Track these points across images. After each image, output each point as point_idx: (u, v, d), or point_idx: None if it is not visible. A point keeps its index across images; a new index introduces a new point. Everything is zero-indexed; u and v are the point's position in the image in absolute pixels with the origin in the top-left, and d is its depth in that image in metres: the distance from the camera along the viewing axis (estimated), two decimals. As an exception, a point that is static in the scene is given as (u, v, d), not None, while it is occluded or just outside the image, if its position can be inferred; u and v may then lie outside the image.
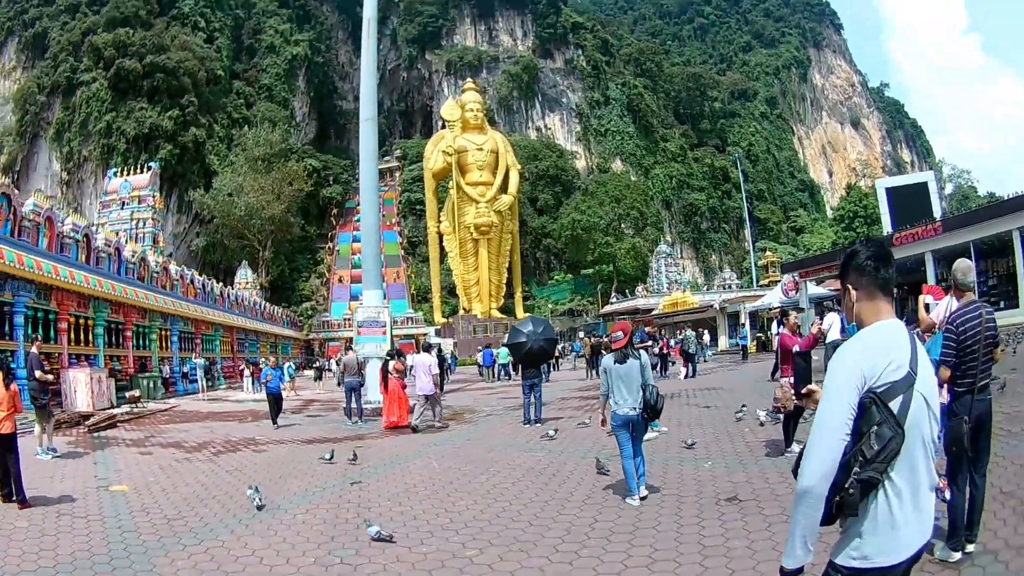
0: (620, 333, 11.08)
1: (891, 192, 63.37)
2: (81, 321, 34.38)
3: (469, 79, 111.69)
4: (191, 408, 33.05)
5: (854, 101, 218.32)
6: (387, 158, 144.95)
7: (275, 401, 24.28)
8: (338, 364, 31.12)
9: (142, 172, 68.00)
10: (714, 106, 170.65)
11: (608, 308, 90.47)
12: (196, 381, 44.71)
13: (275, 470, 14.93)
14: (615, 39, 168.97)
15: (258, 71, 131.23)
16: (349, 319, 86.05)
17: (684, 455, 13.33)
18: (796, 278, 59.43)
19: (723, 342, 67.89)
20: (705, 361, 49.66)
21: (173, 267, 51.56)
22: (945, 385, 6.92)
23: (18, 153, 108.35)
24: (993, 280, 42.87)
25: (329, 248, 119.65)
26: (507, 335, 26.81)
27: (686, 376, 34.47)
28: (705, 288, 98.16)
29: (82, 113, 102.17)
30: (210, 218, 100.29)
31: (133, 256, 43.21)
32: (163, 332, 45.67)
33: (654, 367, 31.39)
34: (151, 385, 37.84)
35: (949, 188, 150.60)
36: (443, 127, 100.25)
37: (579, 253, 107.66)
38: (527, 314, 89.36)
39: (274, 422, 23.85)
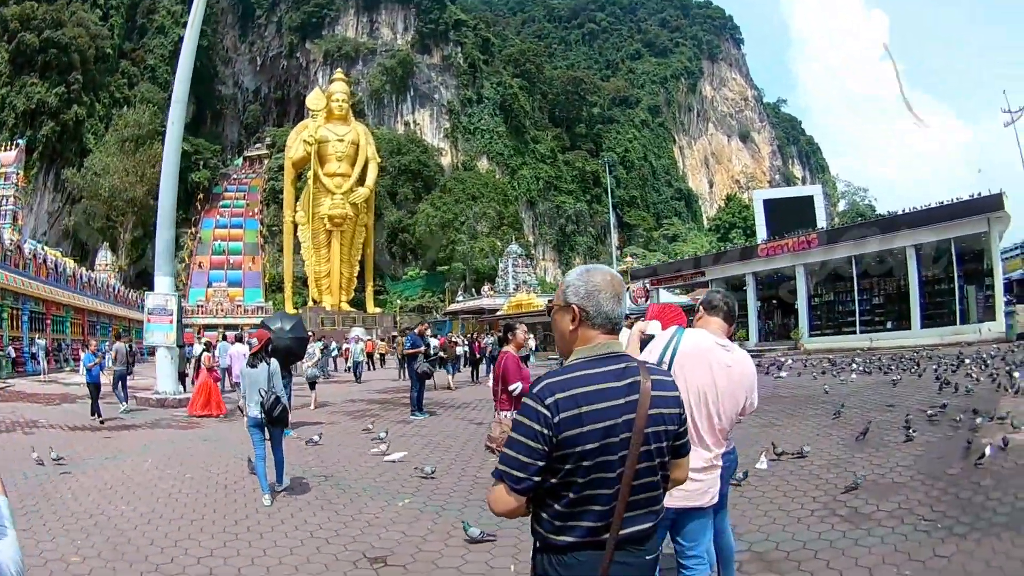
0: (255, 340, 11.94)
1: (769, 204, 64.06)
2: None
3: (339, 70, 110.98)
4: (20, 389, 32.70)
5: (745, 115, 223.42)
6: (257, 145, 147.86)
7: (96, 391, 21.86)
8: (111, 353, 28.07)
9: (10, 149, 64.04)
10: (592, 111, 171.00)
11: (454, 307, 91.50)
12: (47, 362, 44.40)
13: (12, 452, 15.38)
14: (497, 39, 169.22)
15: (145, 51, 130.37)
16: (202, 306, 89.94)
17: (393, 486, 11.63)
18: (647, 286, 60.56)
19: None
20: (527, 367, 51.79)
21: (27, 245, 51.60)
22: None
23: None
24: (879, 299, 44.20)
25: (192, 233, 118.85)
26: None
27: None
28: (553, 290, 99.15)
29: None
30: (79, 197, 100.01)
31: None
32: (14, 311, 45.83)
33: (457, 368, 35.49)
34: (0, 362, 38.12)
35: (842, 205, 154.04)
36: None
37: (433, 250, 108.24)
38: (377, 309, 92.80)
39: (94, 413, 21.37)
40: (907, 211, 41.48)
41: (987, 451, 9.99)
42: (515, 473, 3.05)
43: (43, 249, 56.79)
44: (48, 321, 51.68)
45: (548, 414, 3.01)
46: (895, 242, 40.02)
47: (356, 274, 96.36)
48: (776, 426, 15.17)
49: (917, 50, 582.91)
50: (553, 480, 3.07)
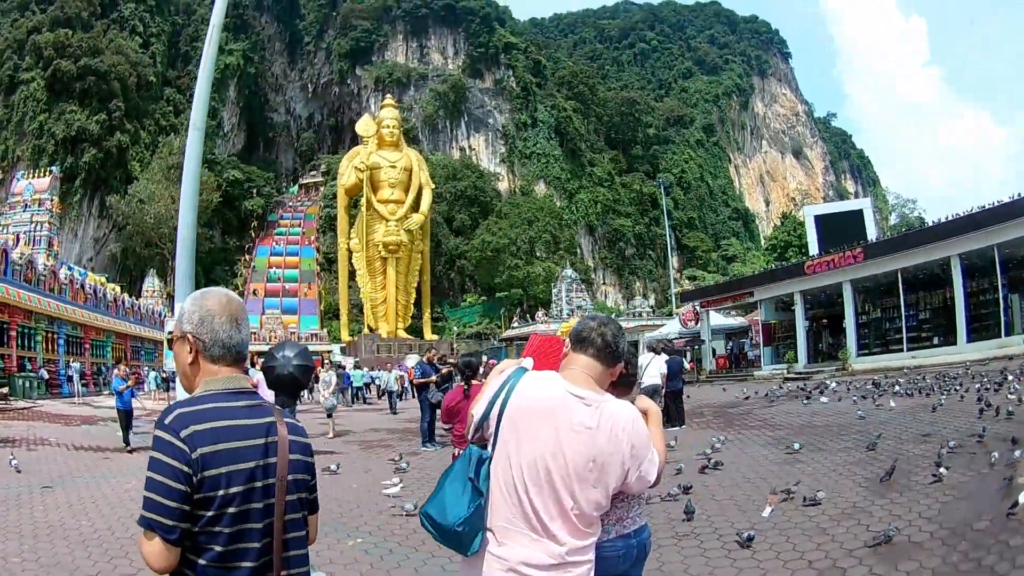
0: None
1: (820, 220, 60.83)
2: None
3: (388, 96, 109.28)
4: (48, 409, 32.75)
5: (797, 130, 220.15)
6: (312, 172, 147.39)
7: (125, 417, 21.86)
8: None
9: (44, 176, 67.13)
10: (647, 132, 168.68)
11: (509, 333, 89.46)
12: (85, 385, 45.34)
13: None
14: (549, 61, 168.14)
15: (191, 79, 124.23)
16: (255, 333, 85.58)
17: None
18: (696, 307, 57.98)
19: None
20: None
21: (63, 271, 51.60)
22: None
23: None
24: (925, 314, 40.78)
25: (246, 260, 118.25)
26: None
27: None
28: (626, 315, 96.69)
29: (19, 112, 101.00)
30: (125, 224, 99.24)
31: (21, 258, 43.25)
32: (49, 334, 46.39)
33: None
34: (26, 384, 38.35)
35: (894, 218, 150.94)
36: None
37: (489, 275, 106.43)
38: (435, 336, 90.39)
39: (125, 441, 21.52)
40: (950, 218, 38.49)
41: (1021, 499, 8.22)
42: (164, 521, 2.70)
43: (80, 274, 57.28)
44: (87, 345, 52.72)
45: (185, 448, 2.74)
46: (938, 252, 36.99)
47: (413, 301, 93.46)
48: (800, 463, 14.08)
49: (954, 53, 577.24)
50: (195, 529, 2.76)
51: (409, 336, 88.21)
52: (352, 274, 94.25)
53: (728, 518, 10.32)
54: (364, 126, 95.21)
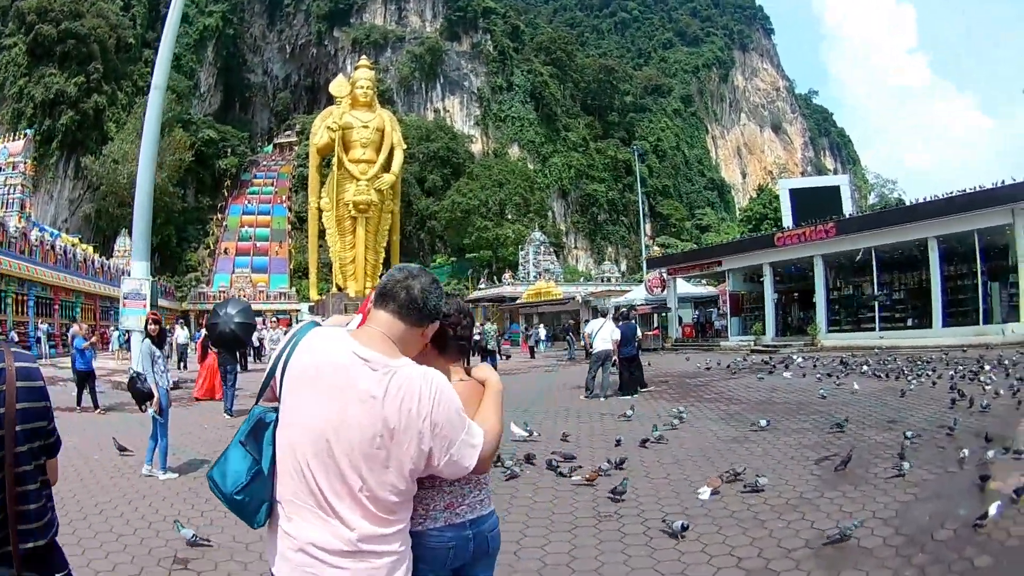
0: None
1: (795, 193, 60.91)
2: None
3: (364, 57, 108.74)
4: None
5: (777, 105, 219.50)
6: (287, 132, 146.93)
7: (85, 378, 20.77)
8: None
9: (18, 139, 65.61)
10: (624, 100, 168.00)
11: (475, 294, 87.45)
12: (55, 346, 45.77)
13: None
14: (528, 27, 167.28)
15: None
16: (224, 291, 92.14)
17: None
18: (663, 275, 57.74)
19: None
20: (533, 357, 49.65)
21: (35, 233, 52.53)
22: None
23: None
24: (899, 294, 41.04)
25: (218, 219, 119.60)
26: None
27: None
28: (595, 280, 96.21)
29: (1, 77, 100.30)
30: (99, 185, 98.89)
31: None
32: (19, 296, 46.78)
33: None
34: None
35: (873, 198, 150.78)
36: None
37: (459, 236, 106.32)
38: None
39: (78, 401, 20.68)
40: (928, 199, 38.30)
41: (992, 509, 7.42)
42: None
43: (52, 235, 58.58)
44: (56, 307, 52.85)
45: None
46: (915, 233, 36.85)
47: (382, 260, 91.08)
48: (750, 441, 13.30)
49: (943, 42, 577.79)
50: None
51: None
52: (322, 233, 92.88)
53: (660, 500, 9.55)
54: (338, 86, 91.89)
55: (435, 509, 3.36)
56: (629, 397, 21.14)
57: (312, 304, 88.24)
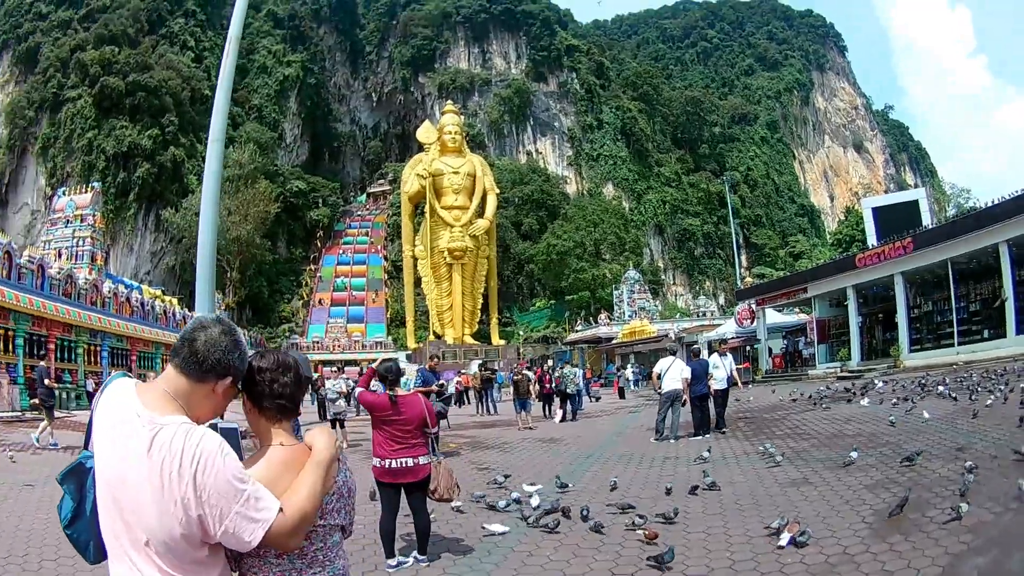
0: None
1: (877, 211, 57.01)
2: (1, 332, 36.31)
3: (449, 102, 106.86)
4: (79, 419, 30.97)
5: (857, 124, 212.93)
6: (380, 181, 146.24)
7: None
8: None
9: (87, 192, 66.14)
10: (713, 131, 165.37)
11: (572, 336, 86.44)
12: None
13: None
14: (613, 63, 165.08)
15: (249, 91, 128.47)
16: (319, 342, 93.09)
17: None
18: (752, 305, 55.62)
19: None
20: (623, 397, 46.29)
21: (108, 285, 51.62)
22: None
23: (6, 167, 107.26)
24: (975, 305, 37.02)
25: (311, 271, 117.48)
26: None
27: (562, 419, 30.34)
28: (691, 315, 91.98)
29: (66, 129, 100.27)
30: (180, 237, 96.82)
31: (59, 273, 43.78)
32: (92, 347, 46.06)
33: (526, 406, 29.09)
34: (63, 395, 37.45)
35: (952, 210, 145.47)
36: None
37: (556, 279, 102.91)
38: (502, 341, 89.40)
39: None
40: (997, 201, 34.11)
41: None
42: None
43: (126, 287, 58.42)
44: (133, 357, 52.20)
45: None
46: (986, 239, 33.38)
47: (480, 306, 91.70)
48: (808, 484, 12.06)
49: (999, 42, 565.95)
50: None
51: (475, 342, 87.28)
52: (418, 281, 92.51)
53: (689, 558, 8.55)
54: (425, 133, 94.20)
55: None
56: (701, 438, 19.85)
57: (410, 352, 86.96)
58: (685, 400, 20.82)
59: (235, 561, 2.95)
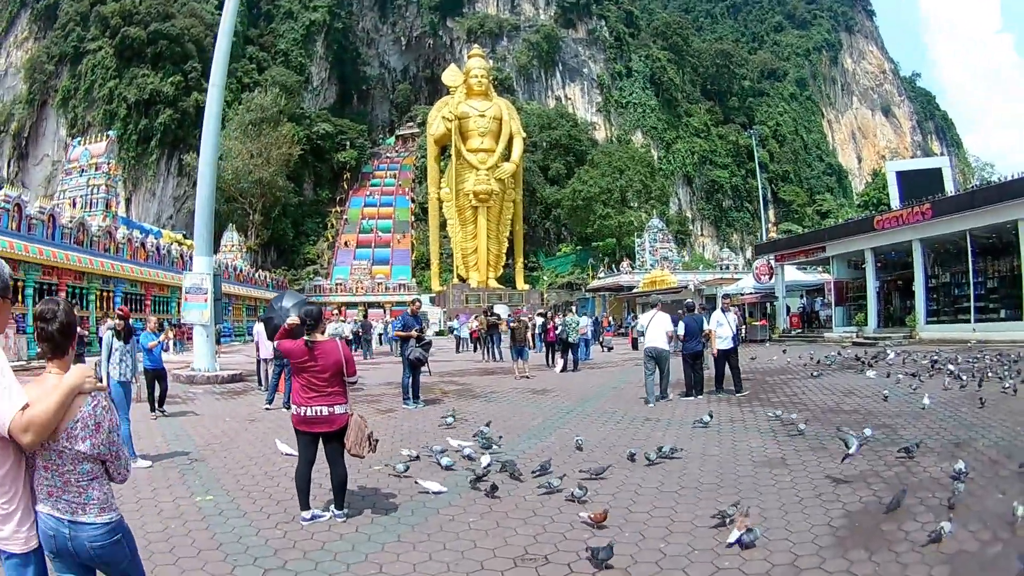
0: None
1: (901, 175, 54.72)
2: (11, 283, 32.52)
3: (475, 46, 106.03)
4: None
5: (885, 88, 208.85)
6: (409, 124, 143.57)
7: (154, 379, 17.02)
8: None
9: (100, 140, 65.45)
10: (743, 84, 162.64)
11: (595, 283, 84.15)
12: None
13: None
14: (642, 12, 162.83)
15: (275, 36, 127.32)
16: (342, 283, 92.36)
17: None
18: (771, 262, 52.84)
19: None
20: (635, 348, 40.71)
21: (121, 231, 52.22)
22: None
23: (27, 120, 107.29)
24: (993, 282, 35.28)
25: (338, 212, 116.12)
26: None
27: (563, 369, 28.08)
28: (714, 268, 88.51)
29: (87, 80, 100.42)
30: None
31: (71, 222, 44.28)
32: (104, 293, 46.30)
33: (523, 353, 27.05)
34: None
35: (976, 182, 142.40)
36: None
37: (582, 225, 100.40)
38: (526, 286, 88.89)
39: (152, 407, 16.98)
40: (1019, 175, 31.78)
41: None
42: None
43: (141, 232, 59.56)
44: (148, 301, 52.55)
45: None
46: (1007, 213, 31.39)
47: (505, 250, 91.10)
48: (784, 465, 10.33)
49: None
50: None
51: (500, 285, 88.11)
52: (444, 224, 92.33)
53: (633, 551, 7.08)
54: (450, 76, 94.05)
55: (41, 493, 3.76)
56: (694, 399, 18.05)
57: (433, 295, 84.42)
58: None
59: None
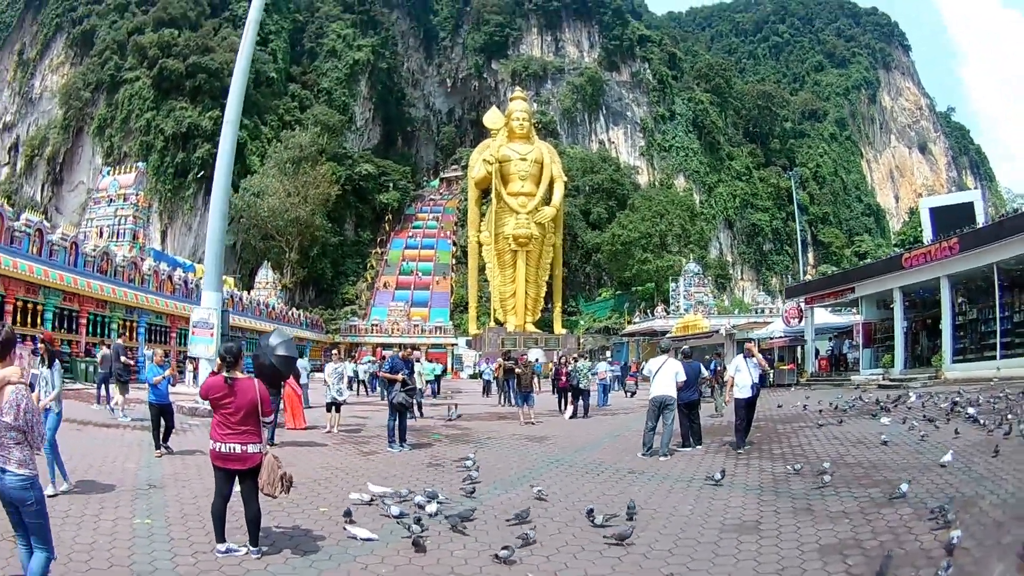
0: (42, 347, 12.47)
1: (934, 212, 51.37)
2: (30, 306, 36.83)
3: (518, 88, 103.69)
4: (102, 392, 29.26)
5: (922, 125, 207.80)
6: (454, 167, 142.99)
7: (159, 414, 15.85)
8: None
9: (130, 172, 67.77)
10: (784, 126, 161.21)
11: (631, 328, 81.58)
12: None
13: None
14: (687, 55, 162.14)
15: (318, 75, 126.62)
16: (378, 325, 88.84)
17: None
18: (801, 305, 50.25)
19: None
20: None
21: (148, 263, 51.65)
22: None
23: (62, 146, 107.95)
24: (1021, 315, 32.26)
25: (378, 253, 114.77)
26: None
27: (572, 415, 26.79)
28: (747, 311, 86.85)
29: (124, 110, 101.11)
30: (239, 217, 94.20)
31: (94, 250, 44.14)
32: (128, 323, 46.46)
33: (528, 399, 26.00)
34: (89, 368, 37.27)
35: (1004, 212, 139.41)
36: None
37: (620, 269, 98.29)
38: (564, 330, 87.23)
39: (157, 445, 15.72)
40: None
41: None
42: None
43: (168, 264, 57.37)
44: (173, 334, 52.00)
45: None
46: None
47: (543, 294, 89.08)
48: (757, 531, 9.04)
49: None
50: None
51: (537, 330, 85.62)
52: (483, 268, 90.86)
53: None
54: (492, 119, 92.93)
55: None
56: (690, 449, 16.89)
57: (470, 338, 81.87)
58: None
59: None
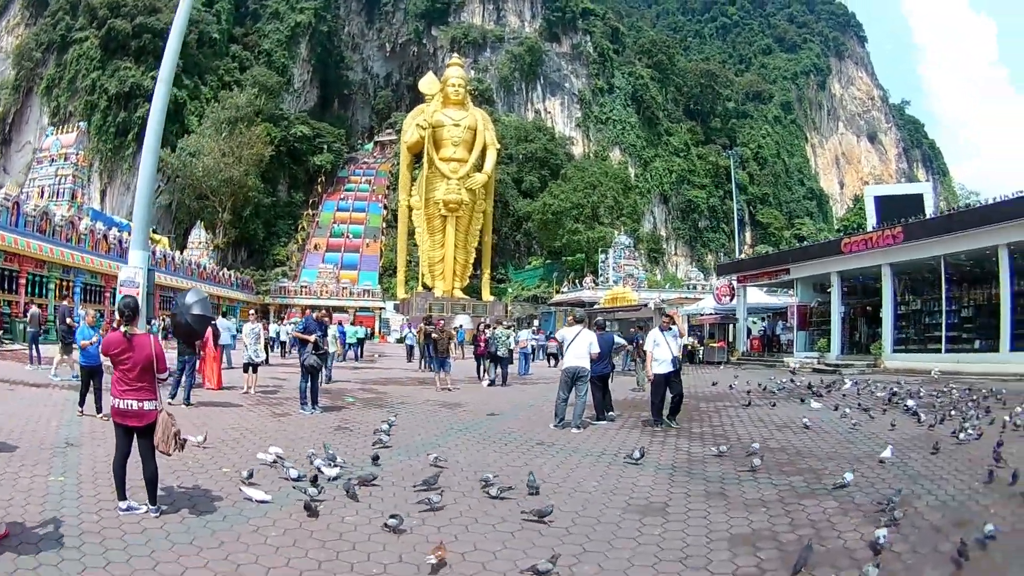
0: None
1: (880, 200, 52.85)
2: None
3: (455, 55, 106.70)
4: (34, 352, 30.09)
5: (873, 115, 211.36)
6: (388, 131, 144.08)
7: (89, 376, 16.15)
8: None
9: (71, 131, 67.80)
10: (727, 105, 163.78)
11: (558, 297, 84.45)
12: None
13: None
14: (630, 30, 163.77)
15: (259, 36, 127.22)
16: (307, 286, 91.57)
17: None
18: (732, 283, 51.82)
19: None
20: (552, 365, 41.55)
21: (84, 222, 52.76)
22: None
23: (12, 106, 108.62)
24: (968, 310, 34.32)
25: (310, 215, 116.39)
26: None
27: (490, 383, 27.97)
28: (682, 287, 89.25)
29: (71, 70, 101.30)
30: (174, 176, 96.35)
31: (34, 210, 45.19)
32: (64, 283, 47.73)
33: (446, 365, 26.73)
34: (26, 329, 37.19)
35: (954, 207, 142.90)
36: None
37: (551, 239, 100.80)
38: (492, 297, 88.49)
39: (81, 403, 16.14)
40: (1000, 199, 31.26)
41: None
42: None
43: (104, 224, 58.42)
44: (107, 293, 52.09)
45: None
46: (986, 239, 30.44)
47: (472, 261, 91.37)
48: (665, 513, 8.86)
49: (1020, 57, 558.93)
50: None
51: (465, 296, 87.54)
52: (413, 232, 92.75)
53: None
54: (427, 84, 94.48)
55: None
56: (604, 423, 17.00)
57: (397, 302, 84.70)
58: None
59: None
